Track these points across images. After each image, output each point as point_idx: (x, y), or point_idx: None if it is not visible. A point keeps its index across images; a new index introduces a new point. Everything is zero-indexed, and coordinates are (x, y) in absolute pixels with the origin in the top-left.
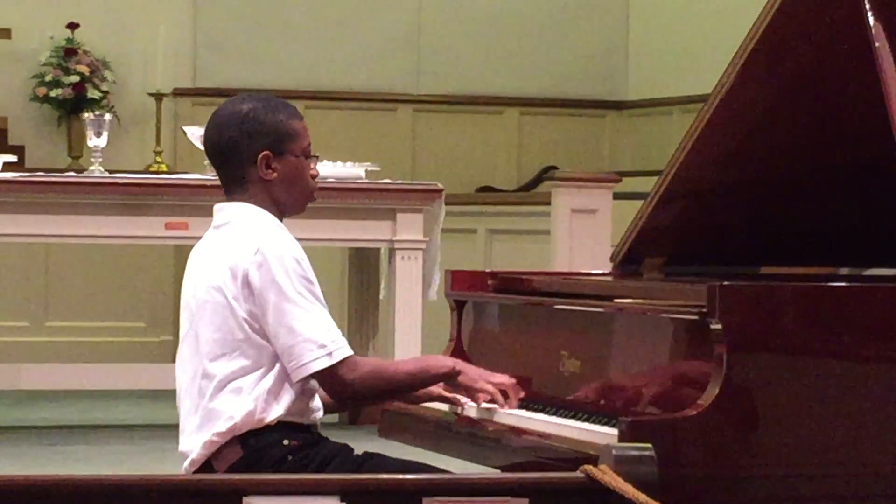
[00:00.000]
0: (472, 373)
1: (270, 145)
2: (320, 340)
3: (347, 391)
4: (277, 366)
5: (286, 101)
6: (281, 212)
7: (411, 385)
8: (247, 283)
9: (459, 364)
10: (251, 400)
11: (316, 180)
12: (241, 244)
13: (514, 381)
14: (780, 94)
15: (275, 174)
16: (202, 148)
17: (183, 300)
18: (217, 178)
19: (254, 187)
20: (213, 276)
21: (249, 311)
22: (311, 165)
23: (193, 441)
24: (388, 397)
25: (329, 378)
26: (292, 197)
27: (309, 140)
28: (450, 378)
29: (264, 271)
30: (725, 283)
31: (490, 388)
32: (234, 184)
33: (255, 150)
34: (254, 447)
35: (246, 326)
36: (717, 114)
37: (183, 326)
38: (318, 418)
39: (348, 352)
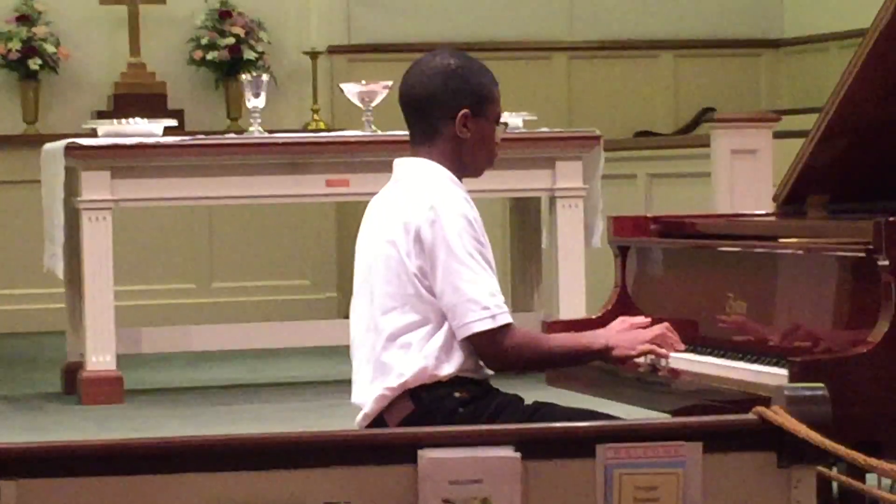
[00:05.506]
0: (626, 342)
1: (472, 105)
2: (484, 302)
3: (501, 357)
4: (447, 324)
5: (484, 64)
6: (462, 172)
7: (563, 361)
8: (418, 239)
9: (612, 338)
10: (421, 357)
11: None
12: (417, 200)
13: (667, 326)
14: None
15: (469, 133)
16: (361, 104)
17: (358, 252)
18: (407, 131)
19: (444, 143)
20: (387, 230)
21: (419, 267)
22: (499, 133)
23: (366, 393)
24: (537, 369)
25: (487, 341)
26: (477, 159)
27: (501, 108)
28: (604, 355)
29: (437, 228)
30: (891, 218)
31: (647, 347)
32: (424, 137)
33: (456, 107)
34: (425, 400)
35: (416, 281)
36: (877, 48)
37: (357, 278)
38: (489, 374)
39: (509, 319)
